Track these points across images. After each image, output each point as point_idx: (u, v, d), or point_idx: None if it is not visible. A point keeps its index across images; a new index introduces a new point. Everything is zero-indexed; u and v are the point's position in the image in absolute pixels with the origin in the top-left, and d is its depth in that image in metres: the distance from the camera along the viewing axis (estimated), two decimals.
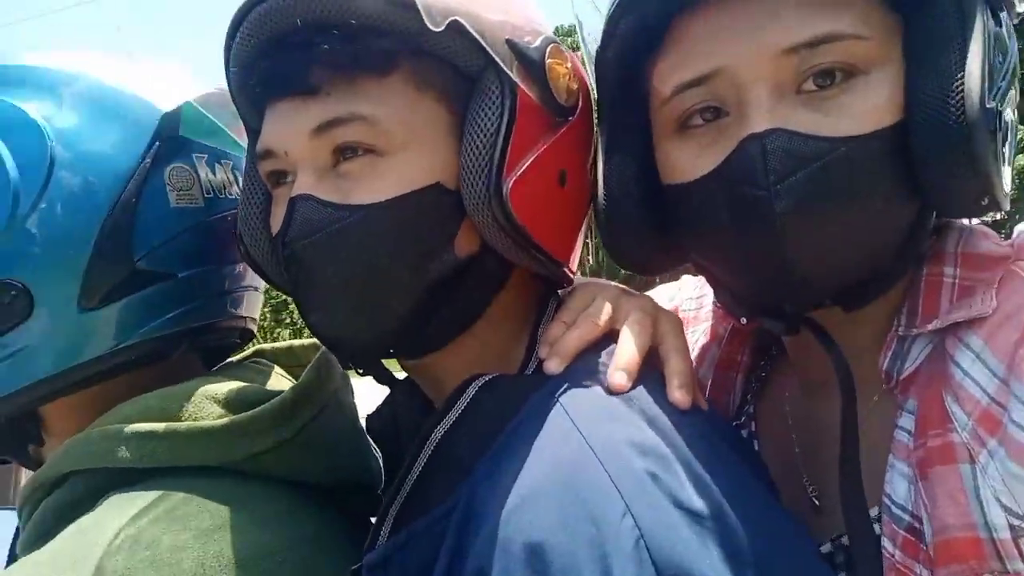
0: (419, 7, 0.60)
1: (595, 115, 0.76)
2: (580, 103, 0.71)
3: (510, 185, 0.62)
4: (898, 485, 0.63)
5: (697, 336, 0.93)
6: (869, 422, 0.68)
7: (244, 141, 0.87)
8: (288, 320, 28.05)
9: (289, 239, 0.65)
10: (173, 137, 0.79)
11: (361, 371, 0.74)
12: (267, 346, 0.93)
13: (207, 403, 0.72)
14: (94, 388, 0.77)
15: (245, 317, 0.89)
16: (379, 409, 0.80)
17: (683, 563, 0.51)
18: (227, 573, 0.62)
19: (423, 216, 0.64)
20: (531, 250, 0.66)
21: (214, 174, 0.83)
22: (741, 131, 0.62)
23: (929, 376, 0.64)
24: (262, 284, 0.89)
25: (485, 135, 0.63)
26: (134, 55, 0.85)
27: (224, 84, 0.73)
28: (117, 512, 0.63)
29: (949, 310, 0.65)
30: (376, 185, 0.63)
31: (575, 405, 0.60)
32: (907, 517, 0.62)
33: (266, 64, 0.66)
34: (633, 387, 0.62)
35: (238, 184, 0.86)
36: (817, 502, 0.74)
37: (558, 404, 0.60)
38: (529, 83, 0.65)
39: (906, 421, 0.64)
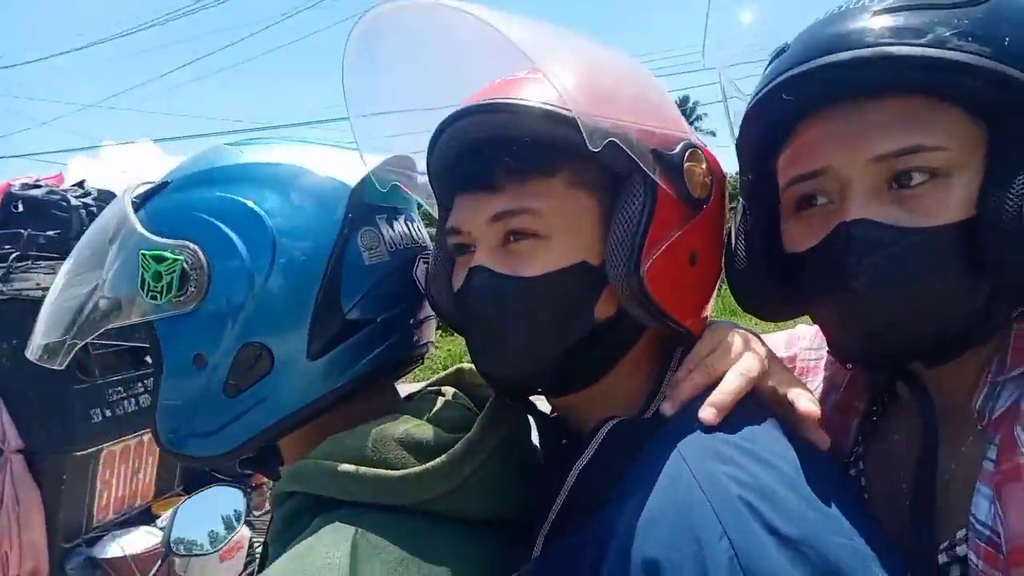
0: (584, 132, 0.71)
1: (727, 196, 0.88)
2: (713, 193, 0.83)
3: (647, 266, 0.77)
4: (981, 505, 0.74)
5: (817, 384, 1.05)
6: (967, 457, 0.79)
7: (411, 195, 1.02)
8: None
9: (468, 297, 0.84)
10: (360, 206, 0.94)
11: (511, 402, 0.91)
12: (466, 367, 1.06)
13: (394, 447, 0.84)
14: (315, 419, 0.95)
15: (426, 343, 1.05)
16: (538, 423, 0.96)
17: None
18: None
19: (569, 288, 0.80)
20: (660, 318, 0.80)
21: (393, 229, 0.98)
22: (838, 218, 0.77)
23: (1013, 414, 0.74)
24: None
25: (628, 225, 0.77)
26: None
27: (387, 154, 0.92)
28: (326, 544, 0.78)
29: None
30: (536, 263, 0.80)
31: (686, 446, 0.73)
32: (987, 532, 0.72)
33: (460, 165, 0.83)
34: (742, 427, 0.74)
35: (411, 231, 1.01)
36: None
37: (673, 447, 0.73)
38: (668, 182, 0.78)
39: (992, 453, 0.75)
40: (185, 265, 0.88)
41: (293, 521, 0.87)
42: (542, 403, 0.94)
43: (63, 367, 0.99)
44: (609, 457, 0.79)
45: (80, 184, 4.42)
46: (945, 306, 0.76)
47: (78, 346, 0.97)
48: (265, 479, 4.59)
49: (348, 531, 0.79)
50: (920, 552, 0.78)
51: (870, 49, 0.73)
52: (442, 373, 1.08)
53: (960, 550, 0.76)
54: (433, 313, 1.05)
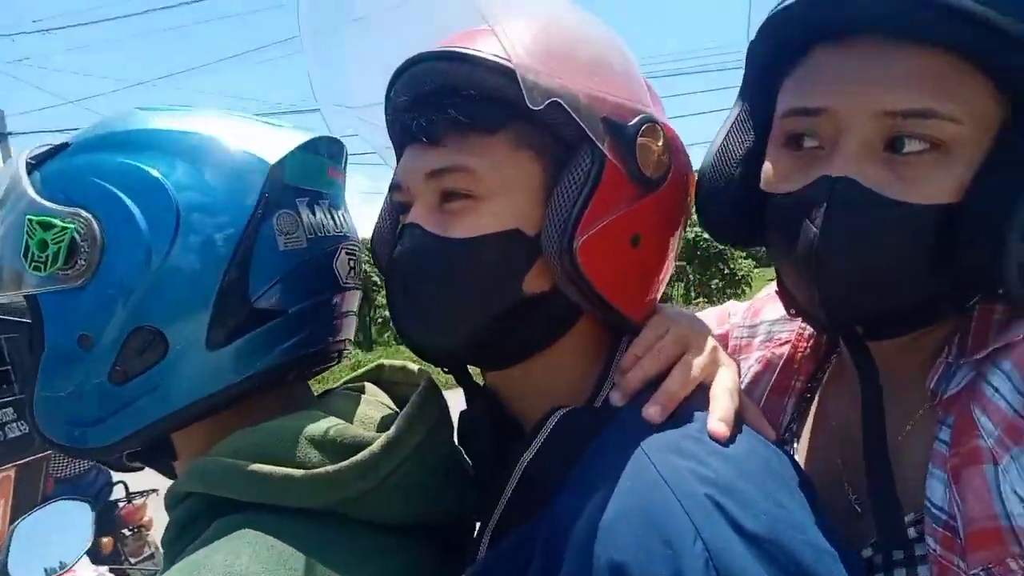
0: (523, 87, 0.69)
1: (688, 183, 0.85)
2: (671, 174, 0.79)
3: (580, 242, 0.73)
4: (936, 489, 0.71)
5: (750, 363, 1.02)
6: (914, 437, 0.78)
7: (339, 180, 0.96)
8: None
9: (395, 256, 0.80)
10: (279, 186, 0.87)
11: (446, 371, 0.86)
12: (387, 362, 1.01)
13: (304, 445, 0.78)
14: (218, 413, 0.87)
15: (343, 340, 0.98)
16: (463, 415, 0.89)
17: None
18: None
19: (496, 255, 0.76)
20: (593, 298, 0.76)
21: (314, 215, 0.91)
22: (824, 168, 0.71)
23: (967, 395, 0.71)
24: (355, 307, 0.99)
25: (568, 196, 0.73)
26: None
27: (313, 131, 0.88)
28: (225, 552, 0.70)
29: (993, 340, 0.72)
30: (467, 224, 0.76)
31: (647, 440, 0.69)
32: (944, 516, 0.69)
33: (406, 116, 0.78)
34: (693, 418, 0.71)
35: (334, 220, 0.94)
36: (859, 508, 0.83)
37: (631, 438, 0.69)
38: (618, 155, 0.74)
39: (945, 434, 0.72)
40: (76, 235, 0.80)
41: (189, 525, 0.79)
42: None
43: None
44: (557, 448, 0.75)
45: None
46: (904, 286, 0.72)
47: None
48: (145, 520, 4.35)
49: (250, 536, 0.72)
50: (886, 529, 0.73)
51: None
52: (360, 370, 1.01)
53: (910, 533, 0.73)
54: (354, 309, 0.98)
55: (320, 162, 0.94)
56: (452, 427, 0.91)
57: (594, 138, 0.73)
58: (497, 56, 0.73)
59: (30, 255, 0.80)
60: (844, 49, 0.72)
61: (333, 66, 0.92)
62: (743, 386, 0.97)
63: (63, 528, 1.60)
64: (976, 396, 0.70)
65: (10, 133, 17.26)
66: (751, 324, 1.07)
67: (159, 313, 0.81)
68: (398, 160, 0.85)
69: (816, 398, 0.94)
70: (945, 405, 0.74)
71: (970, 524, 0.66)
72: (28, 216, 0.80)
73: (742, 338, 1.07)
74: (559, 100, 0.70)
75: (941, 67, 0.67)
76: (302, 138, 0.91)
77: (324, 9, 0.88)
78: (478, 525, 0.81)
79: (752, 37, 0.80)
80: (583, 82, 0.73)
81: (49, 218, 0.80)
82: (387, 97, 0.84)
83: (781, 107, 0.77)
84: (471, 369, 0.88)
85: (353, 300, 0.98)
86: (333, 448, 0.78)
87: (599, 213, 0.74)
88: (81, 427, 0.84)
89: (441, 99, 0.76)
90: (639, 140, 0.75)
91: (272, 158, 0.87)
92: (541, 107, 0.69)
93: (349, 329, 0.99)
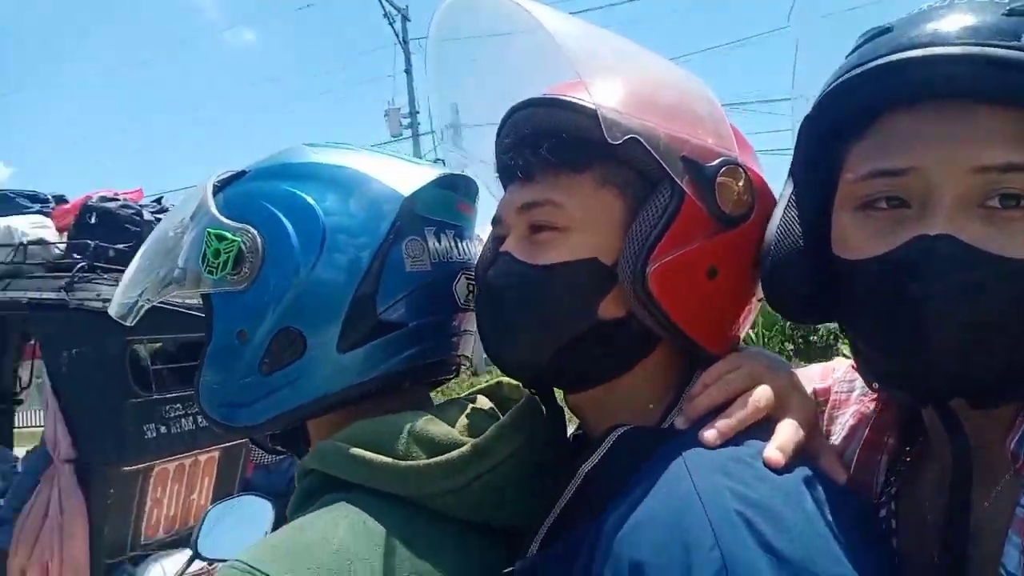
0: (602, 124, 0.77)
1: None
2: (754, 214, 0.84)
3: (653, 268, 0.78)
4: (1011, 556, 0.68)
5: (847, 417, 1.00)
6: (998, 503, 0.74)
7: (467, 214, 1.08)
8: None
9: (487, 280, 0.90)
10: (409, 216, 1.00)
11: (532, 391, 0.95)
12: (505, 380, 1.09)
13: (406, 439, 0.88)
14: (345, 408, 1.00)
15: (461, 355, 1.09)
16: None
17: None
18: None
19: (573, 280, 0.83)
20: (666, 324, 0.81)
21: (439, 242, 1.04)
22: (918, 228, 0.68)
23: None
24: (473, 328, 1.10)
25: (646, 225, 0.80)
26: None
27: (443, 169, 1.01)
28: (326, 521, 0.82)
29: None
30: (551, 253, 0.84)
31: (693, 457, 0.72)
32: None
33: (507, 156, 0.89)
34: (754, 447, 0.73)
35: (458, 248, 1.07)
36: None
37: (679, 456, 0.73)
38: (698, 192, 0.80)
39: None
40: (243, 246, 0.96)
41: (308, 497, 0.92)
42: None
43: (132, 323, 1.09)
44: (617, 462, 0.79)
45: (158, 200, 4.55)
46: (1017, 348, 0.68)
47: (146, 306, 1.07)
48: None
49: (349, 511, 0.84)
50: None
51: (998, 50, 0.65)
52: (483, 385, 1.12)
53: None
54: (472, 329, 1.09)
55: (449, 196, 1.07)
56: (550, 443, 0.97)
57: (672, 174, 0.79)
58: (584, 100, 0.80)
59: (206, 261, 0.97)
60: (925, 111, 0.70)
61: (453, 113, 1.05)
62: (837, 439, 0.97)
63: (245, 520, 1.80)
64: None
65: None
66: (851, 379, 1.04)
67: (302, 317, 0.95)
68: None
69: (920, 459, 0.89)
70: None
71: None
72: (208, 229, 0.98)
73: (842, 392, 1.05)
74: (638, 137, 0.78)
75: None
76: (436, 174, 1.05)
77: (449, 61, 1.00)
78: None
79: (797, 100, 0.83)
80: (664, 124, 0.81)
81: (223, 231, 0.96)
82: (496, 141, 0.94)
83: (858, 172, 0.74)
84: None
85: (471, 321, 1.08)
86: (430, 445, 0.88)
87: (674, 244, 0.79)
88: (234, 408, 1.00)
89: (537, 140, 0.84)
90: (719, 179, 0.80)
91: (406, 191, 1.00)
92: (619, 142, 0.77)
93: (467, 346, 1.10)
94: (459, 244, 1.08)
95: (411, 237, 1.00)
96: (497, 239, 0.93)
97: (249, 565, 0.76)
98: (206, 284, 0.98)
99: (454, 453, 0.87)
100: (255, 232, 0.97)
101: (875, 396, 0.96)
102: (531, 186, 0.86)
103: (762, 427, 0.77)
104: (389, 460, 0.87)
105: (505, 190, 0.95)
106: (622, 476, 0.77)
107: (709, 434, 0.74)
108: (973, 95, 0.68)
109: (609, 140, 0.78)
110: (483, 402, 1.07)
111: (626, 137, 0.78)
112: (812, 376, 1.09)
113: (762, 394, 0.79)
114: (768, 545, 0.63)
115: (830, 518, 0.68)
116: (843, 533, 0.67)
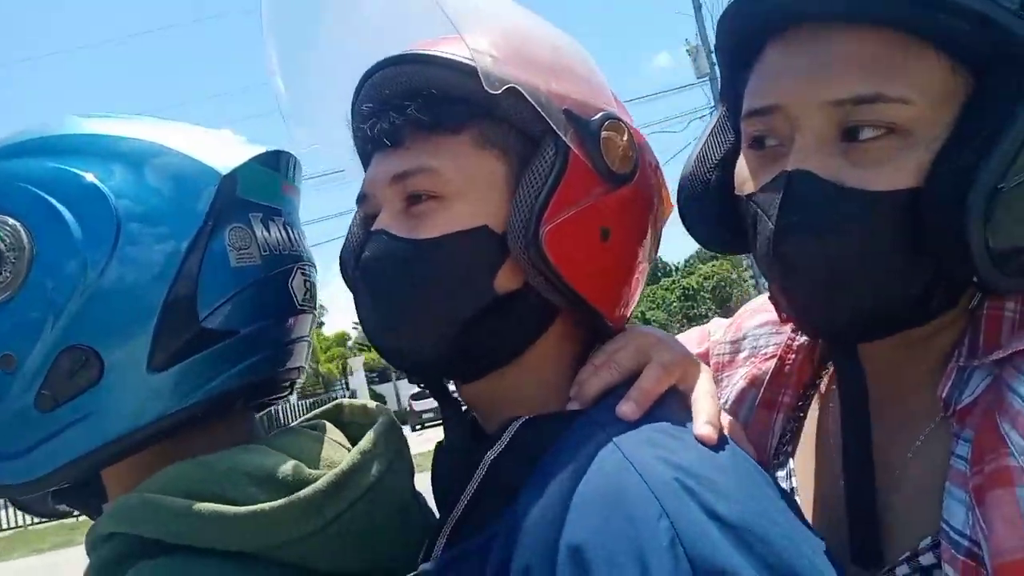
0: (480, 74, 0.68)
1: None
2: (638, 172, 0.78)
3: (546, 229, 0.71)
4: (956, 512, 0.65)
5: (735, 380, 0.97)
6: (925, 453, 0.72)
7: (293, 198, 0.91)
8: None
9: (362, 263, 0.77)
10: (230, 199, 0.81)
11: (421, 385, 0.83)
12: (346, 402, 0.94)
13: (243, 481, 0.72)
14: (156, 445, 0.79)
15: (296, 368, 0.91)
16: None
17: (717, 561, 0.57)
18: None
19: (465, 252, 0.74)
20: (565, 291, 0.74)
21: (269, 231, 0.85)
22: (783, 165, 0.69)
23: (987, 405, 0.66)
24: (308, 333, 0.92)
25: (533, 186, 0.72)
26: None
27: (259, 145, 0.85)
28: None
29: (1010, 341, 0.68)
30: (434, 224, 0.74)
31: (614, 432, 0.67)
32: (966, 543, 0.63)
33: (370, 123, 0.77)
34: (668, 418, 0.70)
35: (289, 239, 0.88)
36: None
37: (600, 432, 0.68)
38: (582, 148, 0.73)
39: (962, 449, 0.66)
40: (1, 244, 0.72)
41: (111, 570, 0.70)
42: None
43: None
44: (522, 449, 0.72)
45: None
46: (879, 280, 0.68)
47: None
48: None
49: None
50: (863, 558, 0.70)
51: None
52: (318, 410, 0.94)
53: (925, 559, 0.67)
54: (307, 335, 0.92)
55: (274, 177, 0.88)
56: (411, 469, 0.85)
57: (556, 127, 0.72)
58: (457, 55, 0.73)
59: None
60: (787, 42, 0.70)
61: (299, 82, 0.89)
62: (727, 405, 0.95)
63: None
64: (1002, 407, 0.64)
65: None
66: (733, 339, 1.02)
67: (94, 331, 0.73)
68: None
69: (811, 416, 0.89)
70: (961, 416, 0.68)
71: (999, 555, 0.60)
72: None
73: (724, 355, 1.02)
74: (519, 87, 0.70)
75: (886, 48, 0.65)
76: (256, 150, 0.86)
77: (290, 21, 0.86)
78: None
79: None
80: (543, 78, 0.73)
81: None
82: (352, 109, 0.82)
83: (743, 110, 0.75)
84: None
85: (306, 325, 0.91)
86: (274, 485, 0.72)
87: (565, 203, 0.72)
88: (1, 461, 0.75)
89: (403, 101, 0.75)
90: (603, 133, 0.74)
91: (222, 167, 0.81)
92: (499, 91, 0.69)
93: (301, 356, 0.92)
94: (291, 232, 0.90)
95: (234, 225, 0.81)
96: (366, 219, 0.81)
97: None
98: None
99: (308, 490, 0.72)
100: (16, 224, 0.73)
101: (768, 356, 0.95)
102: (401, 153, 0.75)
103: (663, 402, 0.73)
104: (225, 508, 0.69)
105: (367, 165, 0.81)
106: (530, 461, 0.70)
107: (627, 408, 0.70)
108: (835, 16, 0.67)
109: (488, 89, 0.69)
110: (329, 429, 0.90)
111: (505, 87, 0.69)
112: (690, 341, 1.06)
113: (667, 360, 0.76)
114: (712, 511, 0.60)
115: (755, 482, 0.67)
116: (768, 495, 0.66)
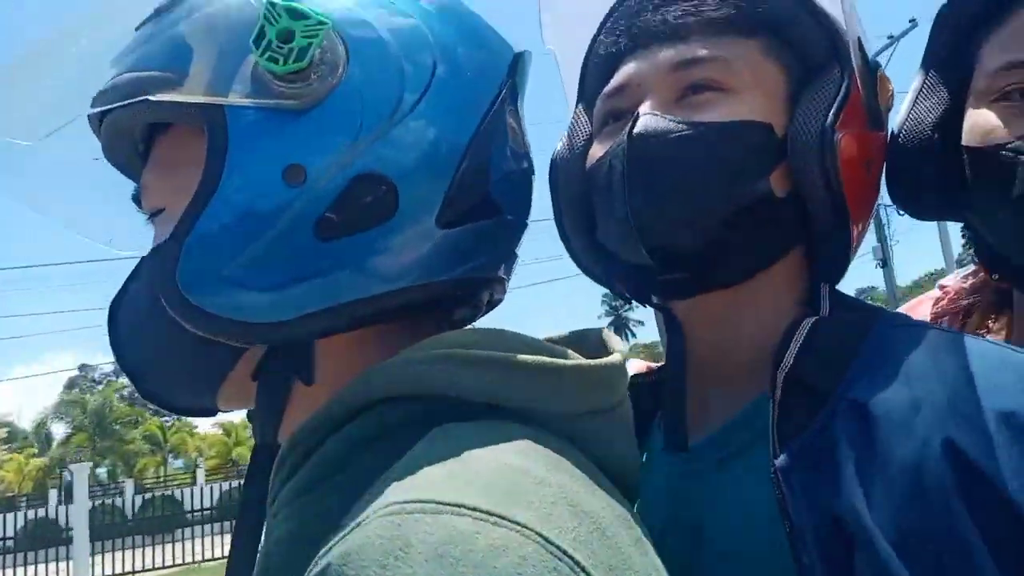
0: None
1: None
2: (887, 127, 0.83)
3: (841, 135, 0.72)
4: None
5: None
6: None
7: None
8: None
9: (631, 142, 0.72)
10: (514, 79, 0.76)
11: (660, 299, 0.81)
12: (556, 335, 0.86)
13: (526, 349, 0.62)
14: (376, 326, 0.68)
15: (502, 283, 0.82)
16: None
17: None
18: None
19: (749, 143, 0.73)
20: (837, 202, 0.73)
21: (518, 127, 0.80)
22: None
23: None
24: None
25: (824, 98, 0.74)
26: None
27: None
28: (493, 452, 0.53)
29: None
30: (720, 111, 0.73)
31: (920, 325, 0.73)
32: None
33: (644, 15, 0.77)
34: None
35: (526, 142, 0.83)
36: None
37: (914, 326, 0.72)
38: (863, 80, 0.77)
39: None
40: (317, 50, 0.62)
41: (370, 445, 0.58)
42: None
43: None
44: (822, 350, 0.69)
45: None
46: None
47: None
48: None
49: (512, 434, 0.55)
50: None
51: None
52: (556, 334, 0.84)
53: None
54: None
55: (524, 78, 0.84)
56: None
57: (852, 55, 0.76)
58: None
59: (264, 44, 0.61)
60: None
61: None
62: None
63: None
64: None
65: None
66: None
67: (395, 163, 0.64)
68: (587, 97, 0.86)
69: None
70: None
71: None
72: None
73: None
74: (827, 11, 0.75)
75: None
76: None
77: None
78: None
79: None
80: (842, 11, 0.78)
81: (303, 8, 0.62)
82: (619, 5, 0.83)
83: (993, 64, 0.79)
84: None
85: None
86: (559, 355, 0.63)
87: (849, 121, 0.74)
88: (248, 292, 0.62)
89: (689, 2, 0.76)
90: (879, 72, 0.79)
91: (515, 48, 0.77)
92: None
93: (509, 274, 0.84)
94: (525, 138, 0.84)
95: (512, 106, 0.76)
96: (605, 119, 0.81)
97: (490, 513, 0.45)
98: (259, 79, 0.62)
99: (615, 356, 0.65)
100: (333, 35, 0.64)
101: None
102: (689, 44, 0.75)
103: None
104: (559, 361, 0.61)
105: (608, 68, 0.82)
106: (839, 362, 0.67)
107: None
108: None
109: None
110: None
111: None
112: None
113: None
114: None
115: None
116: None
